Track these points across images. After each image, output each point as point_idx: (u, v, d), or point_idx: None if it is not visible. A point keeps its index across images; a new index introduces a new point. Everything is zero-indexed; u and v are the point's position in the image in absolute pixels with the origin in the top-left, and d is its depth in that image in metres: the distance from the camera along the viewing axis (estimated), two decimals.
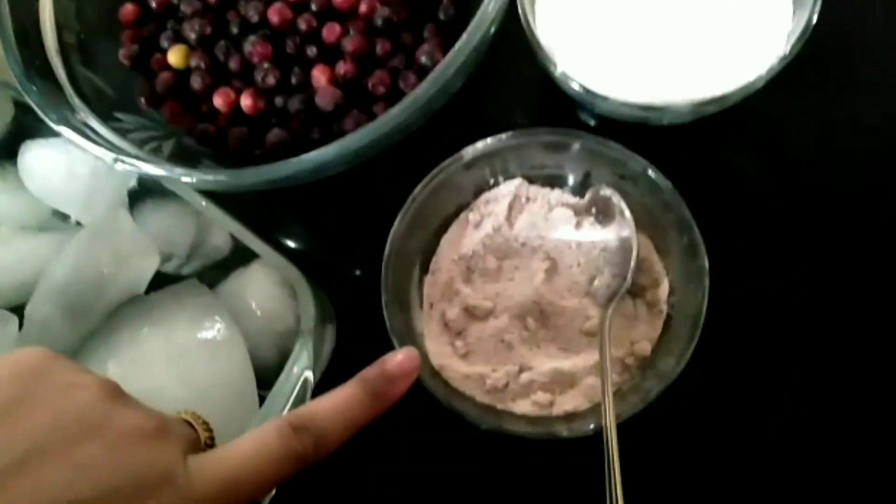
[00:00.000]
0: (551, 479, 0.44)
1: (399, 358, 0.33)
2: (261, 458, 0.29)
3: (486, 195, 0.46)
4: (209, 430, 0.32)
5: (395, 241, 0.42)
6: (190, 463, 0.28)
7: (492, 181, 0.46)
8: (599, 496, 0.36)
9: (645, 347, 0.42)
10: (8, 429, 0.26)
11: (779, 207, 0.48)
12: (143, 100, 0.49)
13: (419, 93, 0.39)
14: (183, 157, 0.46)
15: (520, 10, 0.43)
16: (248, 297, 0.45)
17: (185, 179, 0.40)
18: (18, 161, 0.48)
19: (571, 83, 0.42)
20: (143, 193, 0.48)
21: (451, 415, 0.39)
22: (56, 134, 0.42)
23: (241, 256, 0.46)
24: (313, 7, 0.47)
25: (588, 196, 0.45)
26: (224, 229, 0.46)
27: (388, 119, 0.39)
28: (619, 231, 0.43)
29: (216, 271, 0.47)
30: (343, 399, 0.32)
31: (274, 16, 0.46)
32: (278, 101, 0.47)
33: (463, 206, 0.46)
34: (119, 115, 0.47)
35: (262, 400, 0.41)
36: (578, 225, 0.44)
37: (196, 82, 0.47)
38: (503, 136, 0.44)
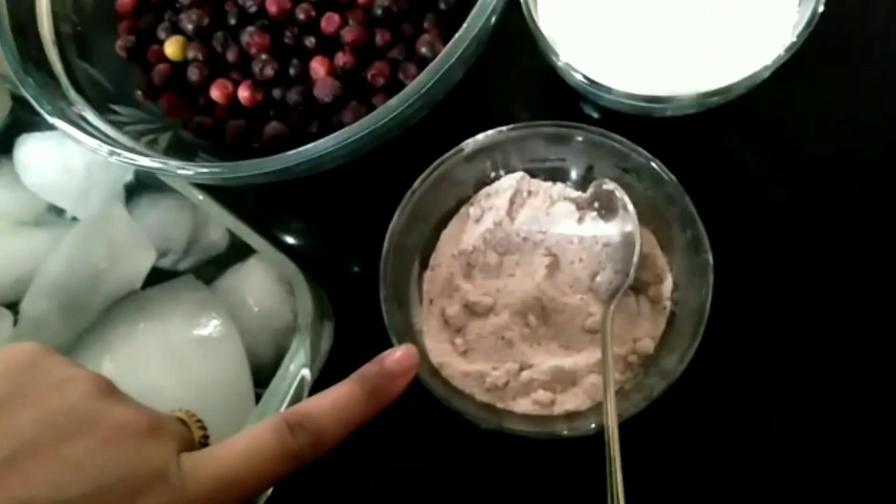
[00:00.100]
0: (552, 478, 0.44)
1: (397, 355, 0.33)
2: (256, 456, 0.29)
3: (486, 189, 0.45)
4: (203, 428, 0.32)
5: (393, 236, 0.42)
6: (184, 461, 0.28)
7: (493, 175, 0.45)
8: (600, 496, 0.35)
9: (648, 345, 0.41)
10: (0, 424, 0.26)
11: (783, 202, 0.47)
12: (139, 92, 0.48)
13: (419, 84, 0.39)
14: (180, 151, 0.46)
15: (521, 0, 0.42)
16: (245, 293, 0.44)
17: (182, 172, 0.40)
18: (14, 155, 0.48)
19: (574, 74, 0.41)
20: (140, 188, 0.48)
21: (451, 413, 0.39)
22: (52, 128, 0.42)
23: (238, 252, 0.46)
24: None
25: (590, 190, 0.44)
26: (221, 224, 0.46)
27: (388, 111, 0.38)
28: (621, 226, 0.42)
29: (213, 267, 0.47)
30: (341, 397, 0.31)
31: (272, 6, 0.46)
32: (276, 92, 0.46)
33: (463, 201, 0.45)
34: (115, 107, 0.47)
35: (258, 398, 0.40)
36: (580, 220, 0.44)
37: (193, 74, 0.47)
38: (504, 128, 0.43)
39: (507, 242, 0.44)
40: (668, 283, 0.42)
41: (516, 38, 0.43)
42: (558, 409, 0.40)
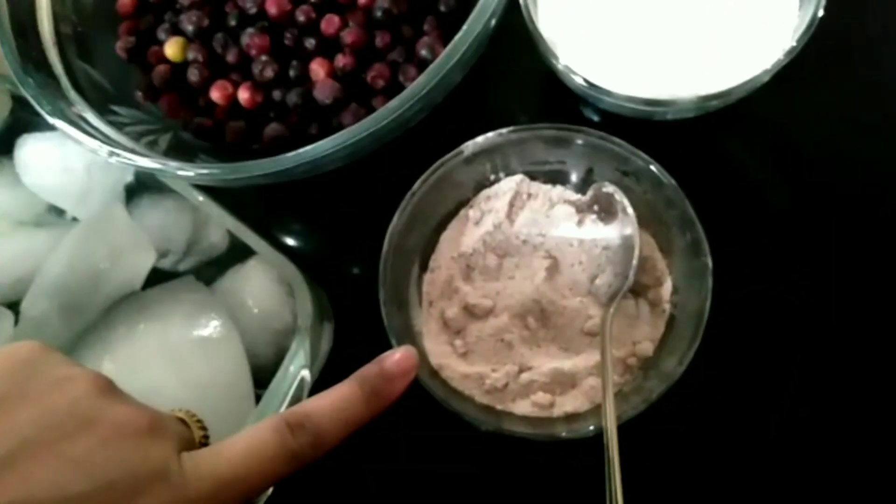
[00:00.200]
0: (551, 479, 0.44)
1: (397, 357, 0.33)
2: (256, 456, 0.29)
3: (486, 191, 0.45)
4: (204, 428, 0.32)
5: (393, 238, 0.42)
6: (184, 460, 0.28)
7: (492, 177, 0.45)
8: (600, 497, 0.35)
9: (647, 347, 0.41)
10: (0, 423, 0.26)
11: (783, 205, 0.47)
12: (139, 93, 0.48)
13: (419, 86, 0.39)
14: (180, 151, 0.46)
15: (521, 3, 0.42)
16: (245, 294, 0.44)
17: (182, 173, 0.40)
18: (14, 155, 0.48)
19: (574, 77, 0.41)
20: (140, 189, 0.48)
21: (450, 414, 0.39)
22: (52, 128, 0.42)
23: (237, 253, 0.46)
24: None
25: (590, 193, 0.44)
26: (221, 226, 0.46)
27: (388, 113, 0.38)
28: (621, 229, 0.42)
29: (213, 268, 0.47)
30: (340, 397, 0.31)
31: (272, 7, 0.46)
32: (276, 94, 0.46)
33: (463, 203, 0.45)
34: (115, 108, 0.46)
35: (258, 398, 0.40)
36: (580, 222, 0.44)
37: (193, 75, 0.47)
38: (504, 130, 0.43)
39: (506, 245, 0.44)
40: (667, 286, 0.42)
41: (516, 40, 0.43)
42: (557, 411, 0.40)
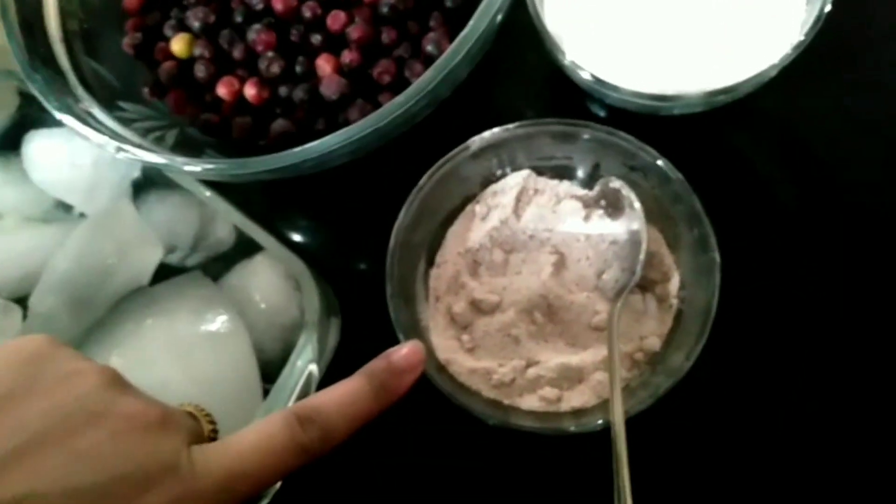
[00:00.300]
0: (558, 473, 0.44)
1: (404, 351, 0.33)
2: (266, 449, 0.29)
3: (493, 187, 0.45)
4: (212, 422, 0.32)
5: (400, 233, 0.42)
6: (194, 453, 0.28)
7: (499, 172, 0.45)
8: (607, 491, 0.35)
9: (654, 343, 0.41)
10: (9, 416, 0.26)
11: (790, 200, 0.47)
12: (146, 89, 0.48)
13: (425, 82, 0.38)
14: (186, 147, 0.46)
15: None
16: (252, 289, 0.44)
17: (188, 168, 0.40)
18: (22, 151, 0.48)
19: (581, 73, 0.41)
20: (147, 184, 0.48)
21: (458, 409, 0.39)
22: (60, 124, 0.42)
23: (245, 248, 0.46)
24: None
25: (597, 188, 0.44)
26: (228, 221, 0.46)
27: (394, 108, 0.38)
28: (628, 224, 0.42)
29: (220, 263, 0.47)
30: (349, 392, 0.31)
31: (278, 4, 0.46)
32: (282, 90, 0.46)
33: (469, 198, 0.45)
34: (122, 104, 0.47)
35: (266, 393, 0.40)
36: (587, 217, 0.44)
37: (200, 71, 0.47)
38: (511, 126, 0.43)
39: (513, 240, 0.44)
40: (674, 282, 0.42)
41: (522, 35, 0.43)
42: (565, 406, 0.40)
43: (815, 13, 0.40)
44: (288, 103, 0.47)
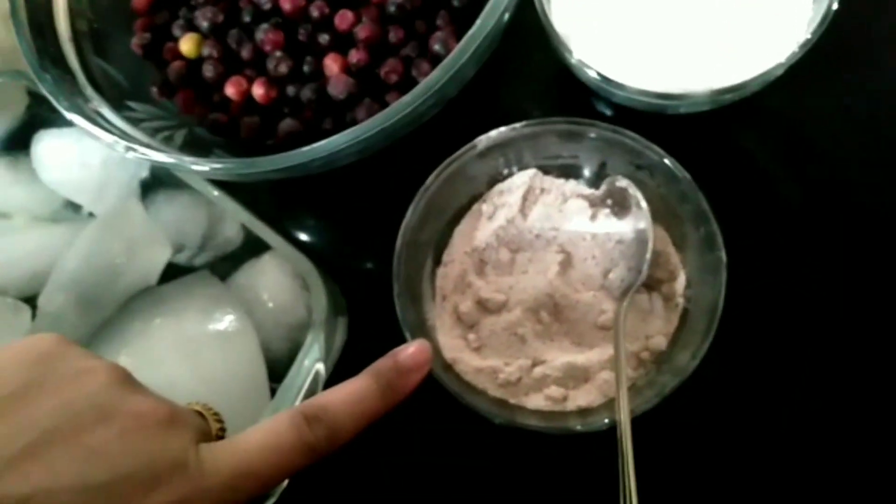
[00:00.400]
0: (564, 472, 0.44)
1: (411, 350, 0.33)
2: (273, 448, 0.29)
3: (499, 186, 0.45)
4: (220, 421, 0.32)
5: (407, 233, 0.42)
6: (201, 452, 0.28)
7: (505, 171, 0.45)
8: (613, 490, 0.35)
9: (660, 342, 0.41)
10: (20, 414, 0.26)
11: (797, 199, 0.47)
12: (155, 89, 0.49)
13: (432, 81, 0.39)
14: (195, 147, 0.46)
15: None
16: (260, 288, 0.45)
17: (197, 168, 0.40)
18: (31, 151, 0.48)
19: (588, 71, 0.41)
20: (156, 184, 0.48)
21: (464, 408, 0.39)
22: (69, 124, 0.42)
23: (252, 248, 0.46)
24: None
25: (603, 187, 0.44)
26: (236, 220, 0.46)
27: (401, 108, 0.39)
28: (634, 223, 0.42)
29: (228, 263, 0.47)
30: (355, 391, 0.31)
31: (286, 3, 0.46)
32: (290, 90, 0.46)
33: (476, 197, 0.46)
34: (131, 104, 0.47)
35: (273, 392, 0.41)
36: (593, 216, 0.44)
37: (208, 71, 0.47)
38: (517, 125, 0.43)
39: (519, 239, 0.44)
40: (681, 281, 0.42)
41: (529, 34, 0.43)
42: (571, 405, 0.41)
43: (822, 11, 0.39)
44: (296, 103, 0.47)
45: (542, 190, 0.45)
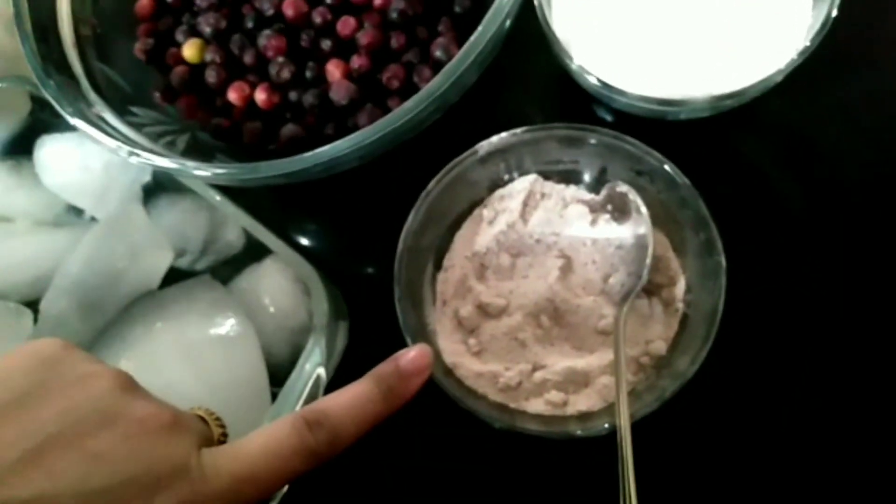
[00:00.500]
0: (564, 477, 0.44)
1: (412, 355, 0.33)
2: (274, 452, 0.29)
3: (500, 191, 0.45)
4: (222, 425, 0.32)
5: (408, 238, 0.42)
6: (203, 456, 0.28)
7: (506, 177, 0.46)
8: (613, 494, 0.35)
9: (660, 346, 0.41)
10: (23, 419, 0.26)
11: (796, 205, 0.47)
12: (158, 94, 0.49)
13: (433, 87, 0.39)
14: (197, 152, 0.46)
15: (536, 4, 0.42)
16: (262, 293, 0.45)
17: (199, 173, 0.40)
18: (34, 156, 0.48)
19: (588, 77, 0.41)
20: (158, 189, 0.48)
21: (464, 412, 0.39)
22: (71, 129, 0.42)
23: (254, 252, 0.46)
24: (328, 0, 0.47)
25: (604, 192, 0.44)
26: (238, 225, 0.46)
27: (403, 113, 0.39)
28: (634, 228, 0.42)
29: (229, 267, 0.47)
30: (356, 395, 0.32)
31: (289, 9, 0.46)
32: (293, 95, 0.46)
33: (477, 203, 0.46)
34: (134, 109, 0.47)
35: (274, 396, 0.41)
36: (594, 222, 0.44)
37: (211, 76, 0.47)
38: (518, 130, 0.43)
39: (520, 244, 0.44)
40: (680, 286, 0.42)
41: (530, 41, 0.43)
42: (571, 410, 0.41)
43: (821, 18, 0.40)
44: (298, 108, 0.47)
45: (543, 195, 0.45)
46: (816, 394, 0.44)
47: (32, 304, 0.45)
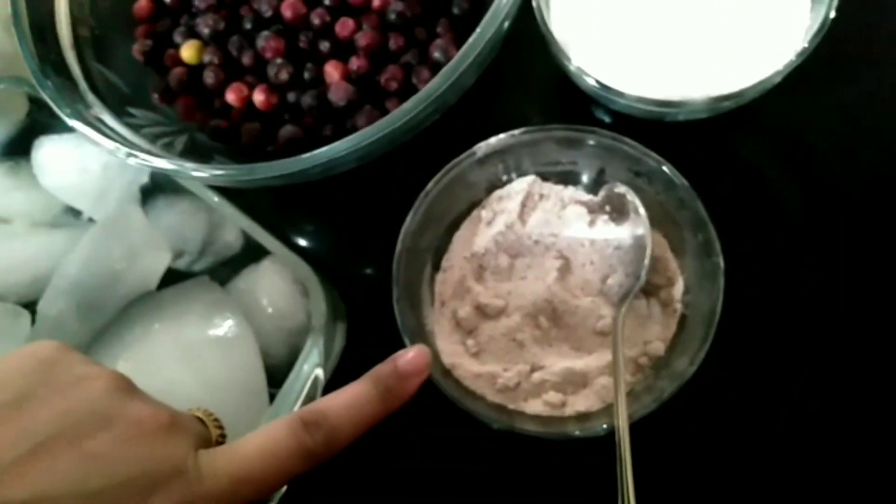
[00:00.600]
0: (563, 477, 0.44)
1: (410, 355, 0.33)
2: (271, 453, 0.29)
3: (498, 192, 0.45)
4: (220, 427, 0.32)
5: (406, 238, 0.42)
6: (200, 458, 0.28)
7: (505, 178, 0.46)
8: (611, 495, 0.35)
9: (658, 347, 0.41)
10: (20, 420, 0.27)
11: (794, 206, 0.47)
12: (156, 95, 0.49)
13: (432, 88, 0.39)
14: (195, 153, 0.46)
15: (534, 5, 0.42)
16: (260, 294, 0.45)
17: (197, 174, 0.40)
18: (32, 157, 0.48)
19: (586, 79, 0.41)
20: (156, 190, 0.48)
21: (463, 413, 0.39)
22: (69, 130, 0.42)
23: (252, 253, 0.46)
24: (326, 2, 0.47)
25: (602, 193, 0.44)
26: (236, 226, 0.46)
27: (401, 115, 0.39)
28: (633, 229, 0.42)
29: (227, 268, 0.47)
30: (354, 396, 0.32)
31: (287, 11, 0.46)
32: (291, 96, 0.47)
33: (475, 203, 0.46)
34: (132, 110, 0.47)
35: (272, 397, 0.41)
36: (592, 223, 0.44)
37: (209, 78, 0.47)
38: (516, 131, 0.43)
39: (518, 245, 0.44)
40: (679, 286, 0.42)
41: (529, 42, 0.43)
42: (569, 411, 0.41)
43: (819, 20, 0.40)
44: (296, 109, 0.47)
45: (541, 196, 0.45)
46: (815, 394, 0.44)
47: (30, 306, 0.45)
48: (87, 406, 0.27)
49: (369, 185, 0.49)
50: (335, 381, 0.42)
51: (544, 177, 0.45)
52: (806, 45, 0.39)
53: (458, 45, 0.40)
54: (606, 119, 0.48)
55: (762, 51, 0.41)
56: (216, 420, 0.32)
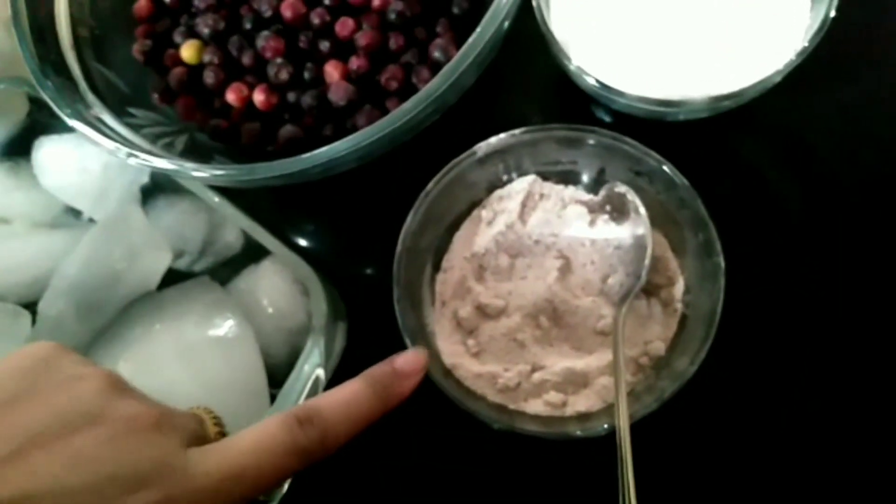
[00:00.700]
0: (563, 477, 0.44)
1: (407, 356, 0.33)
2: (264, 450, 0.29)
3: (499, 192, 0.45)
4: (219, 424, 0.32)
5: (406, 238, 0.42)
6: (191, 455, 0.28)
7: (505, 178, 0.46)
8: (612, 495, 0.35)
9: (659, 347, 0.41)
10: (9, 420, 0.27)
11: (795, 205, 0.47)
12: (156, 95, 0.49)
13: (432, 88, 0.39)
14: (195, 153, 0.46)
15: (534, 4, 0.42)
16: (260, 294, 0.45)
17: (198, 174, 0.40)
18: (32, 157, 0.48)
19: (587, 78, 0.41)
20: (156, 190, 0.48)
21: (463, 413, 0.39)
22: (69, 130, 0.42)
23: (252, 253, 0.46)
24: (326, 2, 0.47)
25: (602, 193, 0.44)
26: (236, 226, 0.46)
27: (401, 114, 0.39)
28: (633, 229, 0.42)
29: (228, 268, 0.47)
30: (349, 394, 0.32)
31: (287, 10, 0.46)
32: (291, 96, 0.46)
33: (476, 203, 0.46)
34: (132, 110, 0.47)
35: (273, 398, 0.41)
36: (592, 222, 0.44)
37: (209, 78, 0.47)
38: (516, 131, 0.43)
39: (518, 245, 0.44)
40: (679, 286, 0.42)
41: (529, 42, 0.43)
42: (570, 411, 0.41)
43: (819, 20, 0.40)
44: (296, 109, 0.47)
45: (542, 196, 0.45)
46: (815, 394, 0.44)
47: (30, 306, 0.45)
48: (77, 405, 0.27)
49: (369, 185, 0.49)
50: (336, 381, 0.42)
51: (544, 176, 0.45)
52: (806, 44, 0.39)
53: (458, 45, 0.40)
54: (607, 119, 0.48)
55: (762, 50, 0.41)
56: (216, 418, 0.32)
